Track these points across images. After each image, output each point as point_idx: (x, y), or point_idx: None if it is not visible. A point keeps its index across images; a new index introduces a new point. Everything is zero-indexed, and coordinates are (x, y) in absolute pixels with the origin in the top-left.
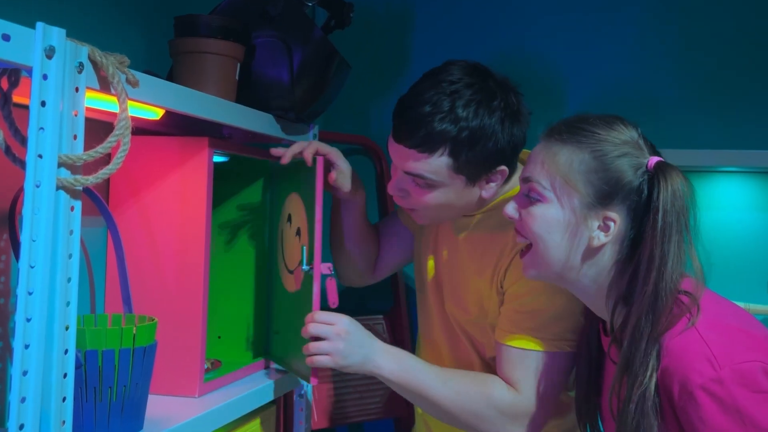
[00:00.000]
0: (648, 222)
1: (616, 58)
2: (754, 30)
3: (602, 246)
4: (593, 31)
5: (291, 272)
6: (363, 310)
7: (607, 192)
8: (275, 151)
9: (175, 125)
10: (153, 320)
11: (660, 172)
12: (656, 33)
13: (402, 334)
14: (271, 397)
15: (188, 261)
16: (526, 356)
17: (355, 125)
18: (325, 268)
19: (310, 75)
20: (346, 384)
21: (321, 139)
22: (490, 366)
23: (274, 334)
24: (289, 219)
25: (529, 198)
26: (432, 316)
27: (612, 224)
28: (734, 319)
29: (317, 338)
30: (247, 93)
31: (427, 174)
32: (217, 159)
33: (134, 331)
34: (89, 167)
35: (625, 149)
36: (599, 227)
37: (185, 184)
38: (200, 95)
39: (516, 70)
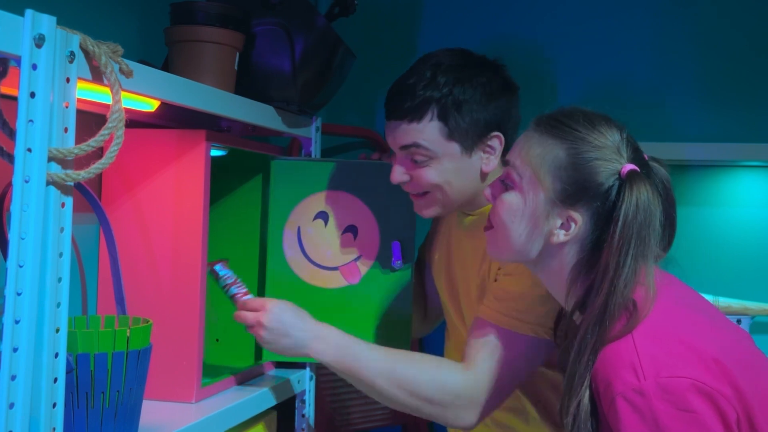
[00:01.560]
0: (608, 231)
1: (628, 46)
2: (748, 19)
3: (562, 244)
4: (605, 21)
5: (333, 269)
6: None
7: (572, 192)
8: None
9: (171, 117)
10: (148, 322)
11: (629, 181)
12: (669, 20)
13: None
14: (271, 403)
15: (185, 260)
16: (494, 332)
17: (360, 118)
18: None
19: (313, 64)
20: (351, 390)
21: (324, 132)
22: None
23: None
24: (321, 216)
25: (504, 184)
26: (460, 334)
27: (573, 224)
28: (687, 331)
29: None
30: (246, 83)
31: (421, 141)
32: (215, 153)
33: (128, 334)
34: (81, 162)
35: (601, 153)
36: (561, 225)
37: (181, 180)
38: (197, 86)
39: (525, 61)
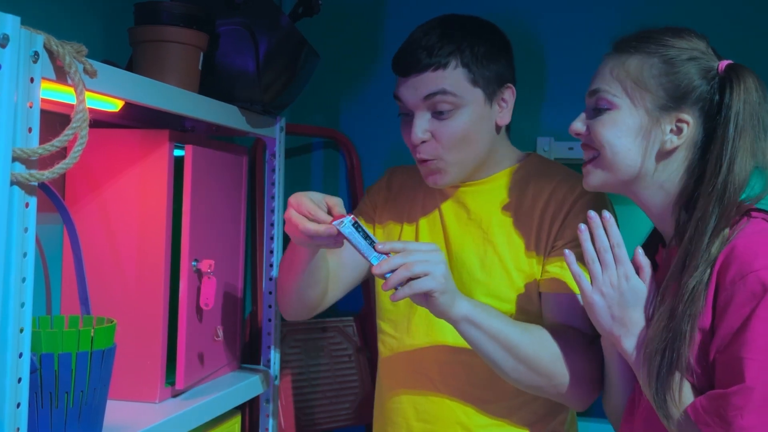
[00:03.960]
0: (720, 122)
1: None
2: (749, 20)
3: (674, 150)
4: (582, 22)
5: None
6: (332, 312)
7: (679, 94)
8: None
9: (135, 117)
10: (112, 322)
11: (733, 73)
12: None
13: (374, 336)
14: (236, 403)
15: (149, 260)
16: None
17: (324, 118)
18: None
19: (277, 64)
20: (315, 390)
21: (288, 132)
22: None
23: None
24: None
25: (597, 110)
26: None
27: (685, 126)
28: None
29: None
30: (210, 83)
31: (449, 87)
32: (179, 153)
33: (92, 334)
34: (45, 162)
35: (694, 54)
36: (672, 130)
37: (145, 179)
38: (161, 86)
39: None
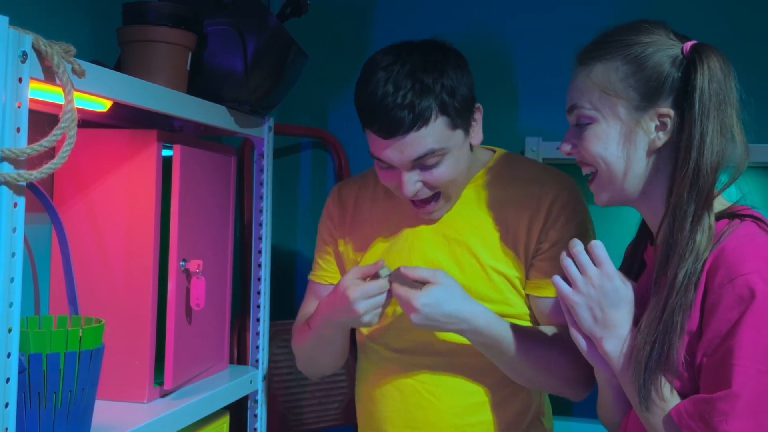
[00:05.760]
0: (687, 104)
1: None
2: (748, 19)
3: (664, 148)
4: (569, 21)
5: None
6: None
7: (651, 90)
8: None
9: (123, 117)
10: (100, 322)
11: (696, 53)
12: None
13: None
14: (224, 403)
15: (137, 260)
16: None
17: (312, 118)
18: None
19: (265, 64)
20: (304, 390)
21: (276, 132)
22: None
23: None
24: None
25: (579, 126)
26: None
27: (668, 120)
28: None
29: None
30: (198, 83)
31: (436, 145)
32: (167, 153)
33: (80, 334)
34: (33, 161)
35: (656, 45)
36: (657, 127)
37: (133, 179)
38: (149, 86)
39: (480, 56)
